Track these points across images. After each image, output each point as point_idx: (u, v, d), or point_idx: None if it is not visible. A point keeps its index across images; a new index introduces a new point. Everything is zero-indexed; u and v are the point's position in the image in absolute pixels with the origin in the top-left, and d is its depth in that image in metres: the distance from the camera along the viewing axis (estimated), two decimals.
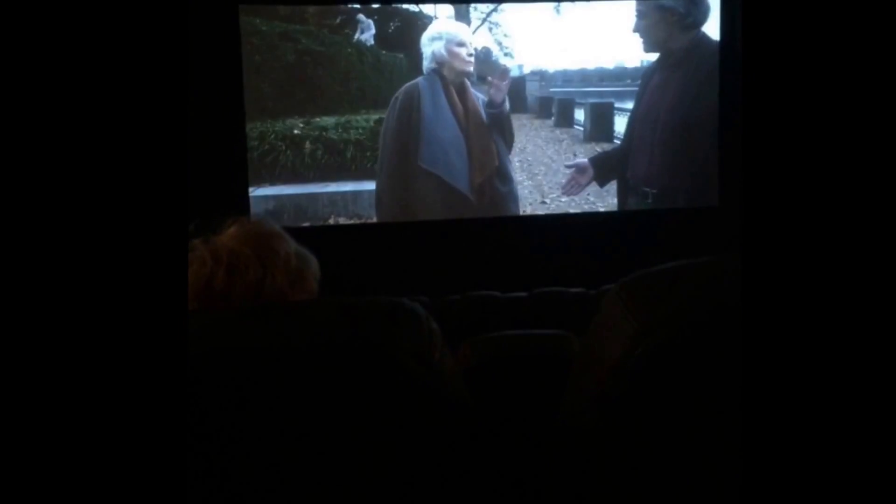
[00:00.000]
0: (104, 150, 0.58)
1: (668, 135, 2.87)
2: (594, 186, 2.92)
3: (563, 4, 2.82)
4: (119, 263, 0.58)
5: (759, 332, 0.60)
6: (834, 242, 0.59)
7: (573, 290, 1.55)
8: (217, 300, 0.90)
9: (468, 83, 2.80)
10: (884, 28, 0.58)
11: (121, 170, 0.59)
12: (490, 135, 2.83)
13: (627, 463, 0.80)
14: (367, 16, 2.77)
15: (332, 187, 2.80)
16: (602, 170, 2.91)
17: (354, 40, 2.77)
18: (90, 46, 0.58)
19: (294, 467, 0.72)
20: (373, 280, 1.96)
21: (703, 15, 2.84)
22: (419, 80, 2.77)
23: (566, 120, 2.95)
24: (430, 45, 2.76)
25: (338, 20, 2.77)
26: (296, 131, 2.76)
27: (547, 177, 2.91)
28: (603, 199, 2.92)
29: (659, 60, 2.86)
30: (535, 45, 2.84)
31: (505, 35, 2.82)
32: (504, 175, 2.85)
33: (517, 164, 2.88)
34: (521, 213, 2.89)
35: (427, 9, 2.78)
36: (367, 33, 2.78)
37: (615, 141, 2.94)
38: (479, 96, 2.82)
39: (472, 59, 2.78)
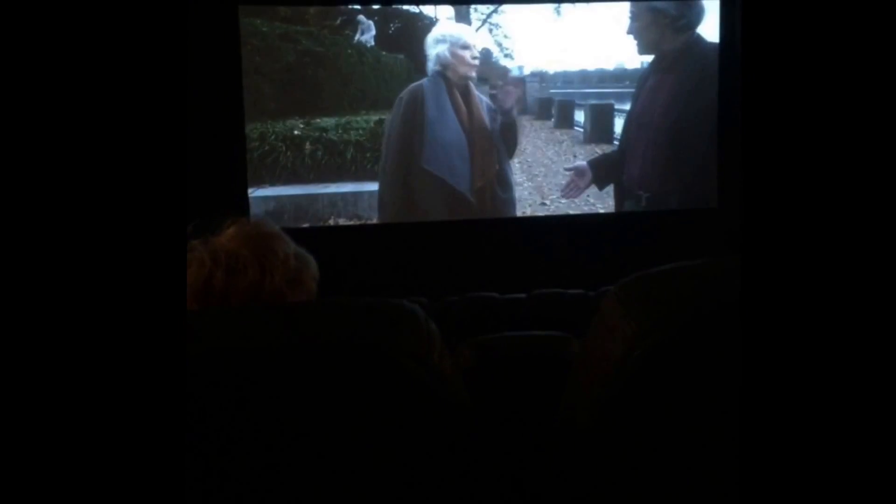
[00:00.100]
0: (103, 150, 0.58)
1: (661, 137, 2.87)
2: (594, 188, 2.92)
3: (563, 6, 2.82)
4: (118, 264, 0.58)
5: (758, 334, 0.60)
6: (833, 244, 0.59)
7: (572, 291, 1.55)
8: (216, 301, 0.90)
9: (472, 86, 2.80)
10: (884, 28, 0.58)
11: (120, 170, 0.59)
12: (493, 139, 2.83)
13: (627, 464, 0.80)
14: (368, 17, 2.77)
15: (332, 188, 2.80)
16: (600, 173, 2.91)
17: (355, 41, 2.77)
18: (90, 47, 0.58)
19: (292, 468, 0.72)
20: (372, 281, 1.96)
21: (696, 17, 2.83)
22: (424, 81, 2.77)
23: (566, 121, 2.95)
24: (435, 47, 2.76)
25: (338, 21, 2.77)
26: (296, 132, 2.76)
27: (547, 178, 2.91)
28: (603, 201, 2.93)
29: (653, 63, 2.86)
30: (535, 46, 2.84)
31: (505, 36, 2.82)
32: (504, 181, 2.86)
33: (517, 165, 2.89)
34: (521, 214, 2.89)
35: (427, 10, 2.79)
36: (367, 34, 2.78)
37: (615, 143, 2.94)
38: (482, 99, 2.82)
39: (477, 61, 2.78)
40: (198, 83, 2.35)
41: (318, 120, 2.78)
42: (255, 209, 2.73)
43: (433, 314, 0.77)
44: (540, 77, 2.88)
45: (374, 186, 2.80)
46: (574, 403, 0.82)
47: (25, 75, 0.56)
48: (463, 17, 2.79)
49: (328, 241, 2.66)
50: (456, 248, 2.78)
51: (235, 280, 0.91)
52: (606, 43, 2.85)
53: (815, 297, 0.58)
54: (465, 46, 2.77)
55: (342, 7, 2.77)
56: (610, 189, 2.92)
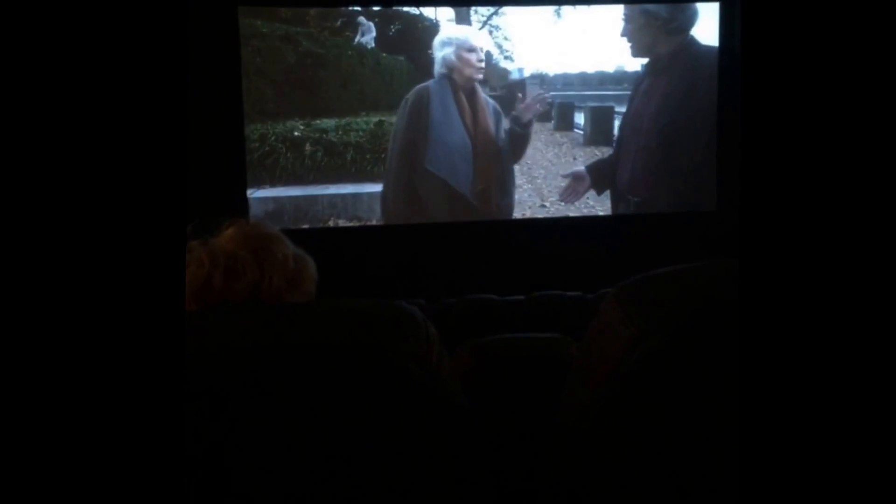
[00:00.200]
0: (103, 150, 0.58)
1: (652, 141, 2.86)
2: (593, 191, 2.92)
3: (563, 8, 2.82)
4: (117, 264, 0.58)
5: (757, 336, 0.60)
6: (832, 245, 0.59)
7: (571, 293, 1.55)
8: (214, 302, 0.90)
9: (479, 88, 2.80)
10: (884, 29, 0.58)
11: (120, 171, 0.59)
12: (497, 142, 2.83)
13: (625, 465, 0.80)
14: (368, 18, 2.77)
15: (332, 189, 2.81)
16: (598, 177, 2.91)
17: (355, 43, 2.78)
18: (90, 47, 0.58)
19: (292, 469, 0.72)
20: (371, 283, 1.97)
21: (688, 20, 2.83)
22: (430, 82, 2.77)
23: (566, 123, 2.94)
24: (441, 49, 2.77)
25: (338, 23, 2.78)
26: (296, 133, 2.76)
27: (546, 180, 2.91)
28: (602, 204, 2.93)
29: (647, 66, 2.86)
30: (535, 48, 2.84)
31: (505, 38, 2.83)
32: (505, 187, 2.86)
33: (517, 167, 2.89)
34: (521, 216, 2.89)
35: (428, 12, 2.79)
36: (367, 36, 2.78)
37: (615, 145, 2.94)
38: (489, 102, 2.82)
39: (483, 64, 2.78)
40: (198, 84, 2.35)
41: (319, 121, 2.78)
42: (254, 210, 2.73)
43: (432, 316, 0.77)
44: (540, 79, 2.87)
45: (373, 188, 2.80)
46: (573, 405, 0.82)
47: (25, 75, 0.56)
48: (463, 19, 2.79)
49: (328, 242, 2.66)
50: (455, 250, 2.79)
51: (234, 281, 0.91)
52: (606, 45, 2.85)
53: (814, 299, 0.58)
54: (471, 49, 2.77)
55: (343, 9, 2.77)
56: (608, 192, 2.93)
